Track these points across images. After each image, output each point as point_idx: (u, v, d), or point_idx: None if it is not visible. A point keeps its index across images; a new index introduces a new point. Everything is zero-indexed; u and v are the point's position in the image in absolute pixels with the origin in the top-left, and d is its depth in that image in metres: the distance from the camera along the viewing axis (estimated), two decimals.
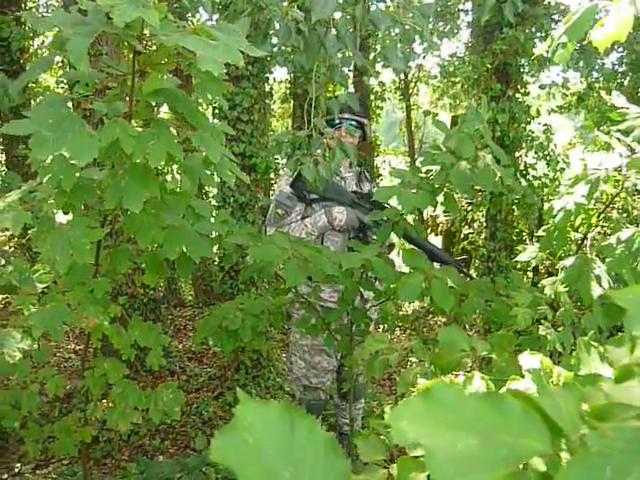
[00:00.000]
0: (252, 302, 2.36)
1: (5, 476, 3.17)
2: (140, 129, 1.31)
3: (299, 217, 2.78)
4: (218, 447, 0.40)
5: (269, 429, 0.42)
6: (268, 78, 4.45)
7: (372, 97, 7.44)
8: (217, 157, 1.30)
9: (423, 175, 1.98)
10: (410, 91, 8.46)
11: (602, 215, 1.83)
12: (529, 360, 0.84)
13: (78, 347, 4.97)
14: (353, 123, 2.79)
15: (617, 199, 1.81)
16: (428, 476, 0.79)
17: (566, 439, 0.43)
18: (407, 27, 2.02)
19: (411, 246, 2.60)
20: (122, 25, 0.98)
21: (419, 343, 1.66)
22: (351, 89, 6.18)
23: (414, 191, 1.95)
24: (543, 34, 4.56)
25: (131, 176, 1.33)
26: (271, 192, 5.46)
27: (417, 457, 0.80)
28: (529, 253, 1.94)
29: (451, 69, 6.13)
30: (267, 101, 4.67)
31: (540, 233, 1.88)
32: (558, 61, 1.07)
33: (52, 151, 1.12)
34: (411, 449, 0.81)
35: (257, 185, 4.31)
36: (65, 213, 1.53)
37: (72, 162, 1.31)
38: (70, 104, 1.33)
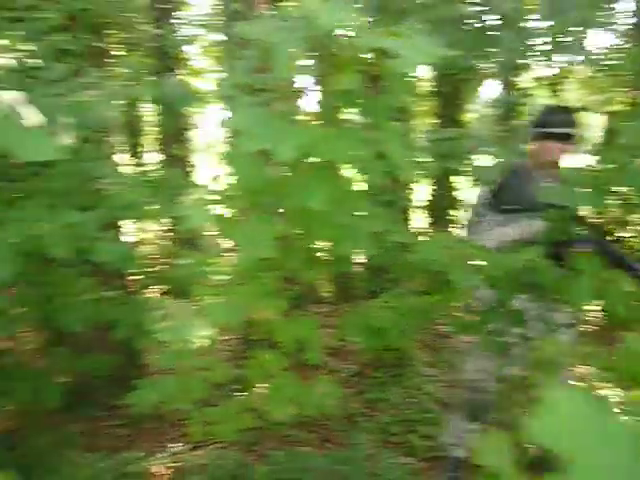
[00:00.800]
0: (400, 300, 2.35)
1: (165, 454, 3.41)
2: (325, 129, 1.35)
3: (492, 225, 2.79)
4: (535, 426, 0.47)
5: (578, 413, 0.47)
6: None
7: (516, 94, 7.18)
8: (402, 159, 1.31)
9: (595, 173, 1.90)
10: (559, 86, 8.06)
11: None
12: None
13: (230, 337, 5.17)
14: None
15: None
16: None
17: None
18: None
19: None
20: (328, 29, 1.02)
21: (596, 350, 1.59)
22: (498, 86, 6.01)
23: (586, 190, 1.87)
24: None
25: (315, 175, 1.37)
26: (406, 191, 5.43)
27: None
28: None
29: (607, 62, 5.76)
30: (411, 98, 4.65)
31: None
32: None
33: (260, 145, 1.19)
34: None
35: (399, 184, 4.32)
36: (247, 210, 1.61)
37: (260, 163, 1.38)
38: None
